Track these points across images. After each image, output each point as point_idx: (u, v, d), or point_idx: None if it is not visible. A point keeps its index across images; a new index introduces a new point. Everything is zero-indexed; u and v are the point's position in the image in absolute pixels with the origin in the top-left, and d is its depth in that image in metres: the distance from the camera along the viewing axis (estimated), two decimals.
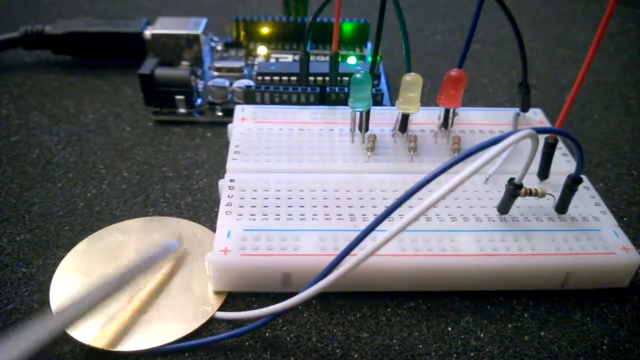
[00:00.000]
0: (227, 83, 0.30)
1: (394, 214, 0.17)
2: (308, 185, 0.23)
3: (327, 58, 0.30)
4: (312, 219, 0.22)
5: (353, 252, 0.17)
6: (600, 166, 0.28)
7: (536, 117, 0.28)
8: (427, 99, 0.32)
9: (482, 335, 0.20)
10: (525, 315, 0.20)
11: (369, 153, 0.25)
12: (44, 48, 0.34)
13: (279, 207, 0.22)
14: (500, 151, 0.17)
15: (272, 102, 0.29)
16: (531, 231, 0.21)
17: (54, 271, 0.21)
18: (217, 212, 0.22)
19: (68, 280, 0.21)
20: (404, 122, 0.25)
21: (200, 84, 0.32)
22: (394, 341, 0.19)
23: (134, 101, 0.31)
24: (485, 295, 0.21)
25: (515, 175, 0.21)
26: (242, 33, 0.35)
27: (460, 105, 0.24)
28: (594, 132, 0.30)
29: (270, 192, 0.23)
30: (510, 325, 0.20)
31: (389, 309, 0.20)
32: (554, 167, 0.23)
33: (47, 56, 0.35)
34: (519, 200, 0.22)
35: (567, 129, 0.20)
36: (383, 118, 0.26)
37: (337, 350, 0.19)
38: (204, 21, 0.33)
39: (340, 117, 0.27)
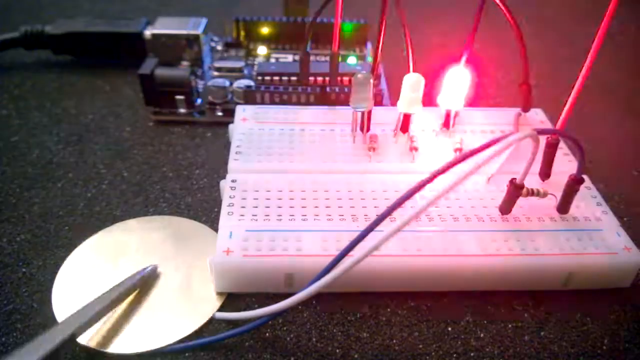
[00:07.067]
0: (227, 83, 0.30)
1: (395, 214, 0.17)
2: (310, 185, 0.23)
3: (327, 58, 0.29)
4: (314, 219, 0.21)
5: (352, 252, 0.17)
6: (601, 166, 0.28)
7: (537, 117, 0.28)
8: (428, 99, 0.32)
9: (482, 335, 0.20)
10: (525, 315, 0.20)
11: (371, 153, 0.25)
12: (44, 48, 0.34)
13: (280, 207, 0.22)
14: (501, 151, 0.17)
15: (272, 102, 0.29)
16: (533, 231, 0.21)
17: (54, 271, 0.21)
18: (217, 212, 0.22)
19: (70, 281, 0.21)
20: (405, 122, 0.25)
21: (200, 84, 0.32)
22: (394, 341, 0.19)
23: (134, 101, 0.31)
24: (485, 295, 0.21)
25: (517, 176, 0.21)
26: (242, 33, 0.35)
27: (463, 105, 0.24)
28: (595, 132, 0.30)
29: (272, 192, 0.23)
30: (510, 325, 0.20)
31: (389, 309, 0.20)
32: (556, 167, 0.23)
33: (47, 56, 0.35)
34: (521, 201, 0.21)
35: (568, 129, 0.20)
36: (384, 118, 0.26)
37: (337, 350, 0.19)
38: (204, 21, 0.33)
39: (342, 117, 0.27)
